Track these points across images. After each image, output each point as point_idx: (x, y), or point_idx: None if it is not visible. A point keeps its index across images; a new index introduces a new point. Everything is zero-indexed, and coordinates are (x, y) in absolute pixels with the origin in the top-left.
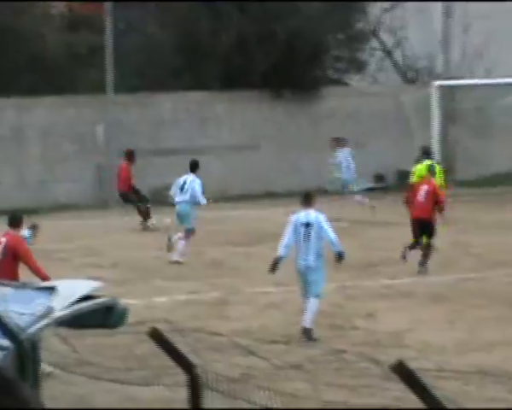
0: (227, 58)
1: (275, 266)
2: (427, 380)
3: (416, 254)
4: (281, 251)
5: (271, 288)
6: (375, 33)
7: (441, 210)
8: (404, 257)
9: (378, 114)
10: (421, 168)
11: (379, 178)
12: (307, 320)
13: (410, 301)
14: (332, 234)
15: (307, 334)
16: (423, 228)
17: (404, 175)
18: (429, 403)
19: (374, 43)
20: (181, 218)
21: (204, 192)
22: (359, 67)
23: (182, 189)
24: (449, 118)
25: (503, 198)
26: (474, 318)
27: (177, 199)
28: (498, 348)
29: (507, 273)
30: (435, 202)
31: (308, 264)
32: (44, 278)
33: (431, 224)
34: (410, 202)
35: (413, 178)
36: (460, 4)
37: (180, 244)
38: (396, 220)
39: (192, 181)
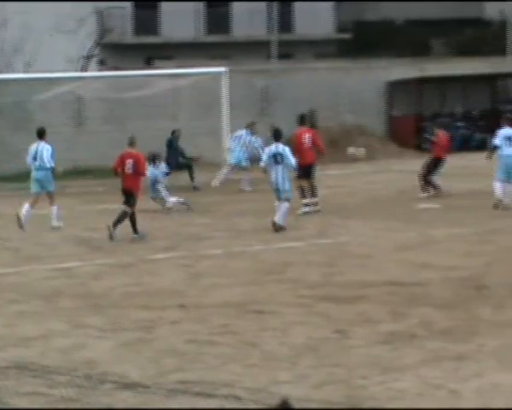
0: None
1: None
2: None
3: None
4: None
5: None
6: None
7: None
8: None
9: None
10: None
11: None
12: None
13: None
14: None
15: None
16: (128, 197)
17: None
18: None
19: None
20: (42, 184)
21: (53, 157)
22: None
23: (35, 158)
24: None
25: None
26: (13, 313)
27: (33, 167)
28: (36, 343)
29: (43, 268)
30: (139, 172)
31: None
32: None
33: (134, 193)
34: (117, 172)
35: None
36: None
37: (53, 210)
38: None
39: (42, 148)
